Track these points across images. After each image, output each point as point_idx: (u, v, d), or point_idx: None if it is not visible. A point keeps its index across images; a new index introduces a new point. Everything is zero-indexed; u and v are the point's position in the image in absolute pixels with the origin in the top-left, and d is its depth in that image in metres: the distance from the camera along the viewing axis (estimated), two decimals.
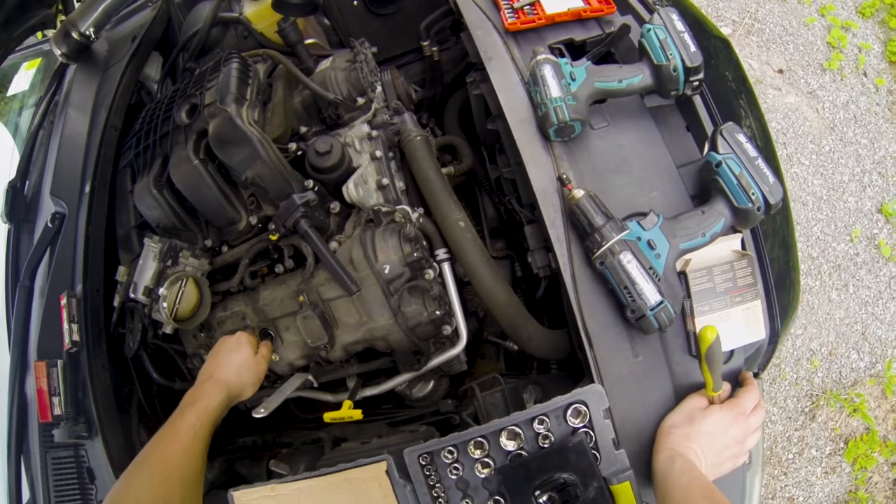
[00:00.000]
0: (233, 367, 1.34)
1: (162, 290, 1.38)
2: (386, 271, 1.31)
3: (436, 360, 1.41)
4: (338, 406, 1.45)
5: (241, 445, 1.72)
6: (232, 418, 1.42)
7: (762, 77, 3.39)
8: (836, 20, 3.51)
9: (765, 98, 3.30)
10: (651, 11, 1.43)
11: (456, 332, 1.41)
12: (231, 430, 1.72)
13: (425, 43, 1.86)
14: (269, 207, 1.45)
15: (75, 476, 1.50)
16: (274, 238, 1.39)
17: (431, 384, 1.59)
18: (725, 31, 3.46)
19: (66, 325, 1.48)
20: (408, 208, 1.36)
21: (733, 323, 1.18)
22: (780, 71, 3.42)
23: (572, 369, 1.47)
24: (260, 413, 1.33)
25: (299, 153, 1.46)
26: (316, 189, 1.40)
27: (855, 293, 3.00)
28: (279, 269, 1.47)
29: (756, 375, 1.26)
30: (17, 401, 1.59)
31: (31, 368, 1.57)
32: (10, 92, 2.36)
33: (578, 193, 1.15)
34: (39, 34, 2.50)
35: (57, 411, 1.45)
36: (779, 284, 1.29)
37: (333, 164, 1.40)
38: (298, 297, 1.39)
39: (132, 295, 1.43)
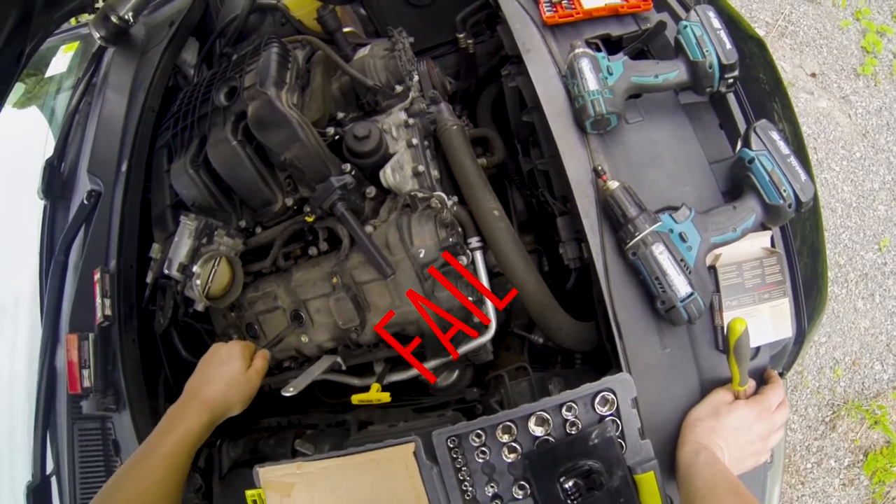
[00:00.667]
0: (221, 383, 1.28)
1: (196, 268, 1.39)
2: (421, 255, 1.33)
3: (464, 347, 1.41)
4: (364, 390, 1.46)
5: (266, 426, 1.75)
6: (256, 399, 1.43)
7: (794, 80, 3.35)
8: (872, 25, 3.45)
9: (797, 101, 3.25)
10: (687, 9, 1.44)
11: None
12: (255, 411, 1.73)
13: (461, 35, 1.86)
14: (305, 189, 1.47)
15: (101, 448, 1.52)
16: (310, 220, 1.41)
17: (456, 373, 1.60)
18: (759, 32, 3.42)
19: (98, 300, 1.50)
20: (443, 195, 1.37)
21: (761, 319, 1.18)
22: (813, 74, 3.38)
23: (597, 363, 1.47)
24: (289, 392, 1.34)
25: (337, 137, 1.47)
26: (353, 173, 1.42)
27: (881, 303, 2.97)
28: (313, 251, 1.49)
29: (781, 375, 1.26)
30: (46, 373, 1.62)
31: (62, 341, 1.60)
32: (48, 73, 2.39)
33: (613, 185, 1.16)
34: (73, 19, 2.54)
35: (86, 383, 1.47)
36: (806, 290, 1.29)
37: (371, 149, 1.41)
38: (332, 279, 1.41)
39: (166, 271, 1.45)
